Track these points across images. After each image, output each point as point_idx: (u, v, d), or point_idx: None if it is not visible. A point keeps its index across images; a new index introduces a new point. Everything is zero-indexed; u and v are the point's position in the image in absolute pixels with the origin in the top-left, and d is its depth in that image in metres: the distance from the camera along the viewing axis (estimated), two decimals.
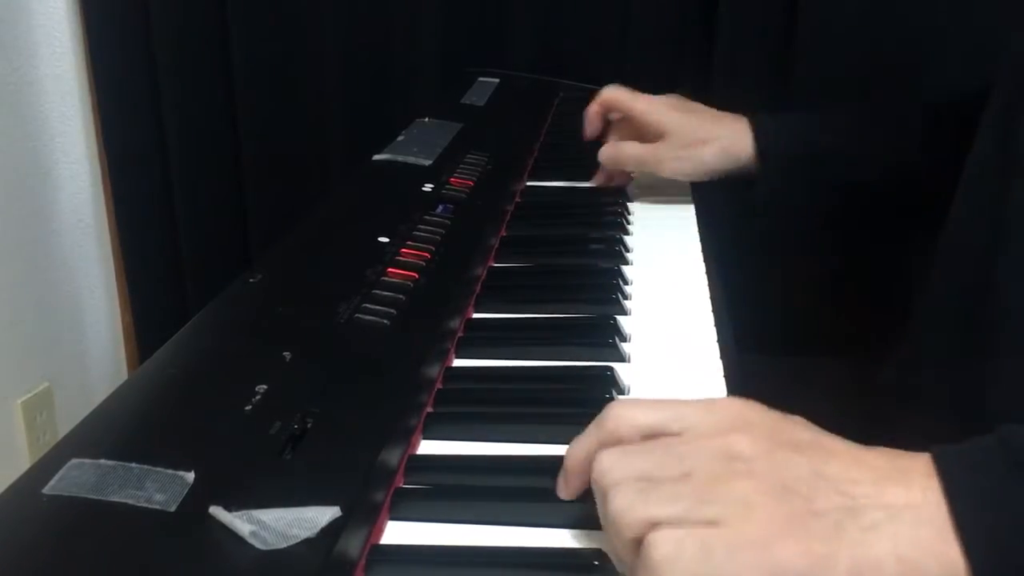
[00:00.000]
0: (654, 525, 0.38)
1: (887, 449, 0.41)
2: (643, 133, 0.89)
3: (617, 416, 0.43)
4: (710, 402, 0.43)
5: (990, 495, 0.38)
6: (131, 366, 1.65)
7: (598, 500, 0.41)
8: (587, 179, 0.97)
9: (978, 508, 0.37)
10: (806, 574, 0.36)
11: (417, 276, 0.65)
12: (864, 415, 0.75)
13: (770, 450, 0.40)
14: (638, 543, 0.38)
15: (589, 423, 0.46)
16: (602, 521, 0.41)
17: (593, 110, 0.94)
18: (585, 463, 0.43)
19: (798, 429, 0.42)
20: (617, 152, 0.90)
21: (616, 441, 0.42)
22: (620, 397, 0.56)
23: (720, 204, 0.91)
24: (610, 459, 0.41)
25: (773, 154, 0.85)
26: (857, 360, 0.88)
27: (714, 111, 0.90)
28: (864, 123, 0.88)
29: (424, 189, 0.83)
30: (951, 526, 0.37)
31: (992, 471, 0.38)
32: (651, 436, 0.42)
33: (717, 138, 0.86)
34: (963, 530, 0.37)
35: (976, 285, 0.60)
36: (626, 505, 0.39)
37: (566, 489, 0.45)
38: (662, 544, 0.37)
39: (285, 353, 0.53)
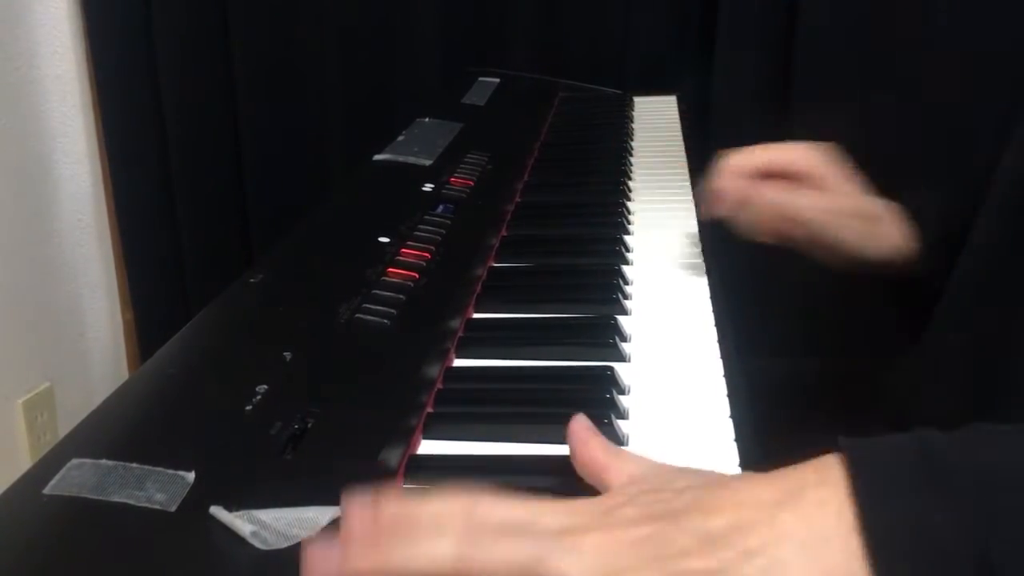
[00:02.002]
0: None
1: (779, 471, 0.38)
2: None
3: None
4: (567, 504, 0.38)
5: (900, 501, 0.34)
6: (131, 366, 1.65)
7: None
8: (588, 179, 0.96)
9: (885, 511, 0.34)
10: None
11: (417, 276, 0.65)
12: (863, 417, 0.75)
13: (645, 537, 0.36)
14: None
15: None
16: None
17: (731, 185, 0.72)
18: None
19: (663, 493, 0.38)
20: (794, 202, 0.70)
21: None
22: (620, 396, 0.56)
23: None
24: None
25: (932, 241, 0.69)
26: (859, 362, 0.88)
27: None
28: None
29: (424, 189, 0.83)
30: (855, 526, 0.34)
31: (904, 477, 0.35)
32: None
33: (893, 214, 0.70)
34: (869, 533, 0.33)
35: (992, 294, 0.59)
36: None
37: None
38: None
39: (285, 353, 0.53)
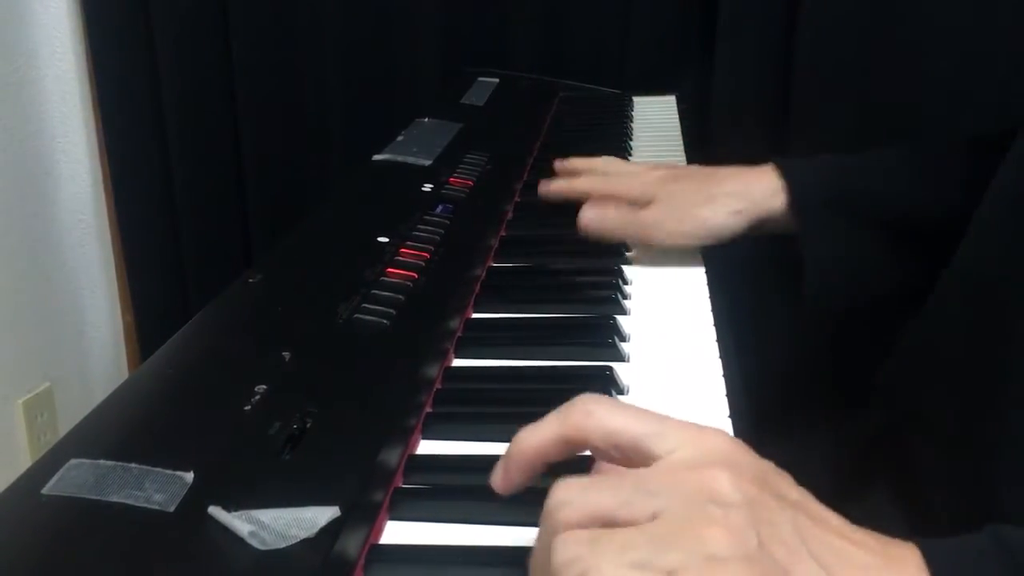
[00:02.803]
0: None
1: (877, 534, 0.37)
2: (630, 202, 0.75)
3: (589, 414, 0.37)
4: (698, 428, 0.37)
5: None
6: (131, 366, 1.65)
7: (541, 529, 0.36)
8: None
9: None
10: None
11: (417, 276, 0.65)
12: (862, 418, 0.75)
13: (754, 498, 0.34)
14: None
15: None
16: (538, 556, 0.35)
17: (556, 188, 0.79)
18: (536, 458, 0.38)
19: (787, 483, 0.37)
20: (602, 218, 0.73)
21: (582, 442, 0.38)
22: (619, 397, 0.56)
23: None
24: (568, 492, 0.35)
25: (811, 204, 0.72)
26: (858, 362, 0.88)
27: (723, 170, 0.76)
28: (907, 161, 0.74)
29: (424, 189, 0.83)
30: None
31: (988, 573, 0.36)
32: (623, 450, 0.37)
33: (727, 195, 0.73)
34: None
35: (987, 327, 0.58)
36: (571, 557, 0.33)
37: (504, 481, 0.39)
38: None
39: (285, 353, 0.53)
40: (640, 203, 0.74)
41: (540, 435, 0.39)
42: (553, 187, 0.80)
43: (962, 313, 0.61)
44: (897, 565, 0.36)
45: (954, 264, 0.62)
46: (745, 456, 0.36)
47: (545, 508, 0.35)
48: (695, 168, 0.82)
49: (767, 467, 0.37)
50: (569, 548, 0.33)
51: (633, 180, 0.77)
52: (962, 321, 0.61)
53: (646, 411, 0.38)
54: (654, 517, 0.33)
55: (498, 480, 0.40)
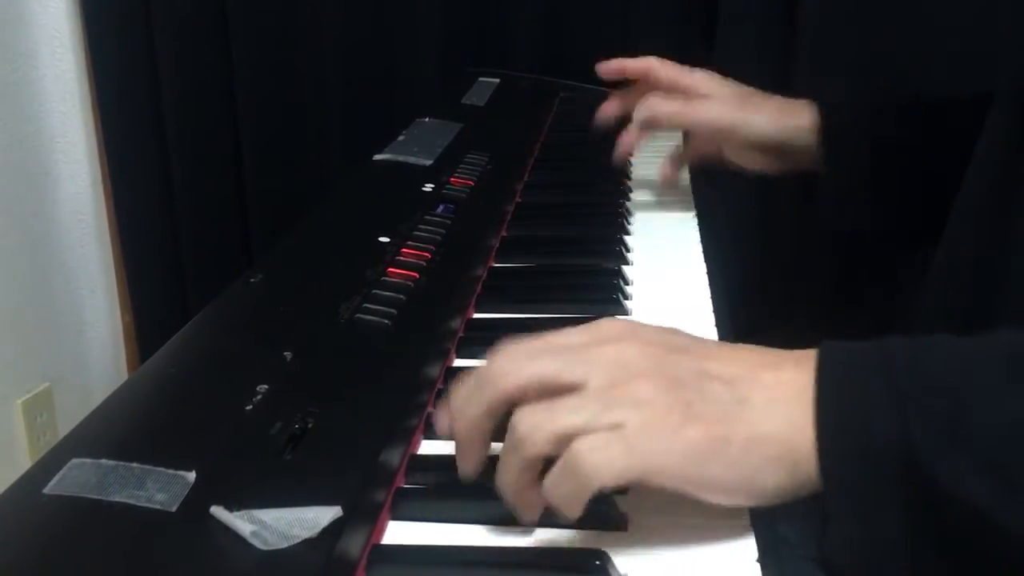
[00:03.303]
0: (568, 437, 0.40)
1: (761, 347, 0.45)
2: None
3: (504, 375, 0.43)
4: (592, 323, 0.46)
5: (851, 383, 0.40)
6: (131, 366, 1.65)
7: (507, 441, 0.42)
8: (588, 179, 0.97)
9: (836, 390, 0.40)
10: (709, 451, 0.40)
11: (417, 276, 0.65)
12: None
13: (656, 354, 0.43)
14: (540, 462, 0.41)
15: None
16: (505, 453, 0.42)
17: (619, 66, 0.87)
18: (479, 435, 0.44)
19: (678, 336, 0.46)
20: (653, 107, 0.80)
21: (509, 403, 0.43)
22: None
23: (721, 204, 0.91)
24: (510, 363, 0.44)
25: (840, 131, 0.78)
26: None
27: (769, 94, 0.85)
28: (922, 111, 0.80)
29: (424, 189, 0.83)
30: (812, 401, 0.41)
31: (864, 367, 0.41)
32: (549, 391, 0.43)
33: (772, 108, 0.81)
34: (817, 409, 0.40)
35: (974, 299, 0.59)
36: (534, 423, 0.41)
37: (466, 466, 0.45)
38: (588, 452, 0.40)
39: (285, 353, 0.53)
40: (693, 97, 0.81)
41: (471, 414, 0.44)
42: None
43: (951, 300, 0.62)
44: (777, 360, 0.43)
45: (941, 255, 0.63)
46: (638, 327, 0.45)
47: (485, 375, 0.44)
48: (742, 86, 0.86)
49: (656, 329, 0.46)
50: (527, 417, 0.41)
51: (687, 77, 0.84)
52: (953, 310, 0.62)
53: (541, 341, 0.45)
54: (584, 390, 0.42)
55: (462, 469, 0.45)
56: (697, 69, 0.85)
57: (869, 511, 0.39)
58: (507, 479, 0.42)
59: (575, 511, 0.41)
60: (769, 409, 0.41)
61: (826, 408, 0.40)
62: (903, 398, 0.39)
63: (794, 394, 0.41)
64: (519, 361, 0.44)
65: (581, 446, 0.40)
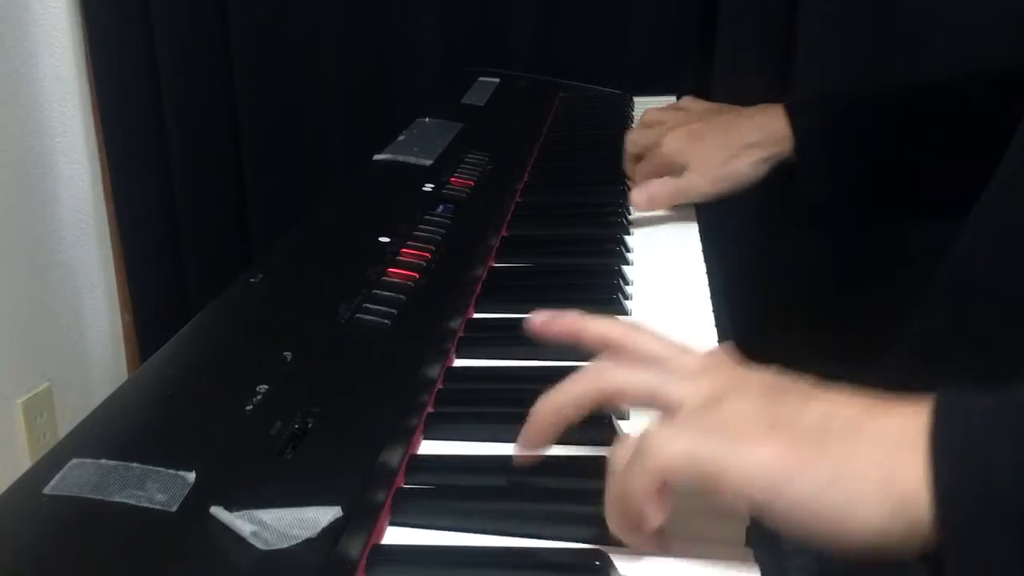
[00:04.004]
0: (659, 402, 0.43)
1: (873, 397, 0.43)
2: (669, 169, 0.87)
3: (601, 376, 0.45)
4: (699, 368, 0.45)
5: (974, 429, 0.37)
6: (131, 366, 1.65)
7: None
8: (588, 179, 0.96)
9: (957, 432, 0.37)
10: (791, 468, 0.38)
11: (417, 276, 0.65)
12: None
13: (762, 381, 0.43)
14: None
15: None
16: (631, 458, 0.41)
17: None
18: (559, 420, 0.45)
19: (784, 380, 0.44)
20: (650, 194, 0.86)
21: (602, 402, 0.45)
22: None
23: (721, 204, 0.90)
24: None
25: (813, 152, 0.82)
26: (855, 364, 0.88)
27: (738, 110, 0.88)
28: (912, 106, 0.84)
29: (424, 189, 0.83)
30: (927, 444, 0.37)
31: (990, 413, 0.38)
32: (640, 401, 0.45)
33: (748, 146, 0.84)
34: (933, 444, 0.37)
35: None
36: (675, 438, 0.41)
37: (527, 444, 0.46)
38: (657, 434, 0.40)
39: (285, 353, 0.53)
40: (677, 170, 0.86)
41: (560, 399, 0.45)
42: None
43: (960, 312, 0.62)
44: (889, 405, 0.40)
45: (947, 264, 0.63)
46: (744, 376, 0.44)
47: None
48: (714, 121, 0.89)
49: (764, 378, 0.44)
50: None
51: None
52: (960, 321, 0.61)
53: (651, 361, 0.46)
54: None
55: (522, 443, 0.46)
56: (666, 133, 0.88)
57: (991, 556, 0.36)
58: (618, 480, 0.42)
59: (649, 505, 0.40)
60: (872, 444, 0.38)
61: (944, 444, 0.37)
62: None
63: (903, 433, 0.38)
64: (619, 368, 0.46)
65: (655, 431, 0.40)
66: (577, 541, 0.44)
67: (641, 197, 0.86)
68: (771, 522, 0.38)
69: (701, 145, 0.86)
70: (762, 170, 0.84)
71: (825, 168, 0.83)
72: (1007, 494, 0.35)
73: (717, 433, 0.40)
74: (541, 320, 0.51)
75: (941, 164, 0.81)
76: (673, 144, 0.87)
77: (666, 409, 0.43)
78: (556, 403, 0.45)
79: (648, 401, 0.44)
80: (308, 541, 0.39)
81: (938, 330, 0.65)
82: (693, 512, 0.44)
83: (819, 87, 1.19)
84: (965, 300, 0.63)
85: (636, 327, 0.50)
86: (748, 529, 0.44)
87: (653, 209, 0.86)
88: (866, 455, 0.38)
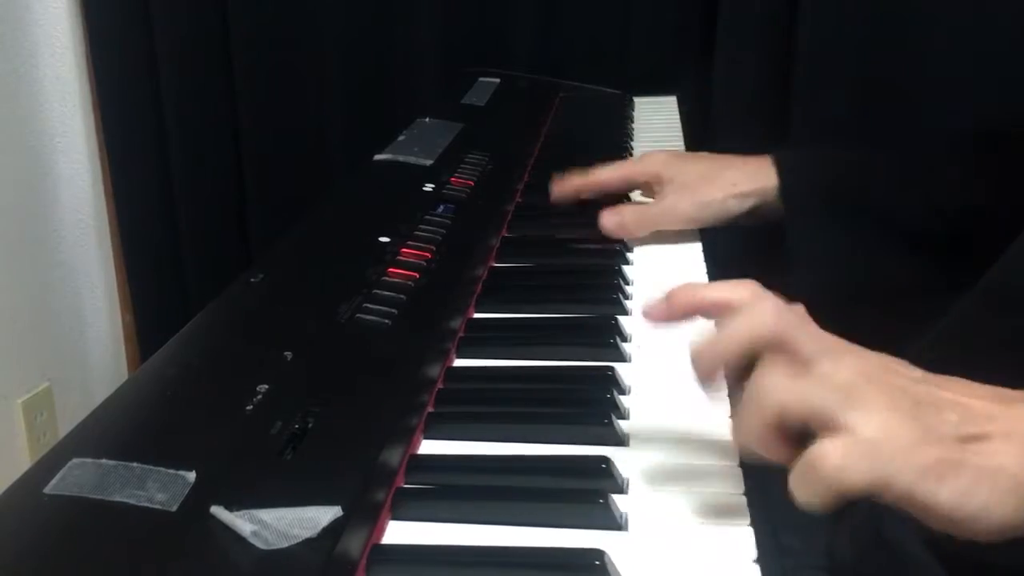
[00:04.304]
0: (801, 413, 0.42)
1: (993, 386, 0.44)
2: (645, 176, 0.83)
3: (769, 395, 0.44)
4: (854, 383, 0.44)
5: None
6: (131, 366, 1.65)
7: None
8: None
9: None
10: (941, 476, 0.39)
11: (418, 276, 0.65)
12: None
13: (895, 368, 0.44)
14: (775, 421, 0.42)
15: (589, 423, 0.46)
16: (746, 402, 0.43)
17: (573, 185, 0.85)
18: (721, 362, 0.46)
19: (908, 365, 0.45)
20: (621, 219, 0.80)
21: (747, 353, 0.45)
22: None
23: None
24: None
25: (798, 191, 0.78)
26: None
27: (726, 156, 0.84)
28: (903, 164, 0.81)
29: (425, 189, 0.83)
30: None
31: None
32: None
33: (724, 178, 0.80)
34: None
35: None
36: (775, 384, 0.43)
37: (669, 311, 0.49)
38: (830, 455, 0.40)
39: (286, 353, 0.53)
40: (651, 191, 0.82)
41: (716, 344, 0.47)
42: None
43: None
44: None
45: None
46: (897, 378, 0.44)
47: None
48: (699, 153, 0.88)
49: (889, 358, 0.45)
50: (771, 377, 0.43)
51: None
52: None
53: (818, 380, 0.44)
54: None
55: (663, 310, 0.50)
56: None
57: None
58: (746, 425, 0.44)
59: (823, 508, 0.41)
60: (1004, 442, 0.40)
61: None
62: None
63: None
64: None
65: (824, 449, 0.40)
66: (576, 540, 0.44)
67: (611, 222, 0.79)
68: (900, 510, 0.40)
69: (684, 164, 0.83)
70: (740, 205, 0.79)
71: (812, 218, 0.79)
72: None
73: (868, 435, 0.40)
74: (654, 307, 0.51)
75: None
76: (655, 156, 0.84)
77: (830, 428, 0.42)
78: (712, 343, 0.47)
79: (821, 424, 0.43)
80: (308, 541, 0.39)
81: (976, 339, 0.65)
82: (693, 512, 0.44)
83: (818, 88, 1.19)
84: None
85: (752, 288, 0.49)
86: (750, 530, 0.44)
87: (626, 237, 0.80)
88: (1000, 454, 0.40)
